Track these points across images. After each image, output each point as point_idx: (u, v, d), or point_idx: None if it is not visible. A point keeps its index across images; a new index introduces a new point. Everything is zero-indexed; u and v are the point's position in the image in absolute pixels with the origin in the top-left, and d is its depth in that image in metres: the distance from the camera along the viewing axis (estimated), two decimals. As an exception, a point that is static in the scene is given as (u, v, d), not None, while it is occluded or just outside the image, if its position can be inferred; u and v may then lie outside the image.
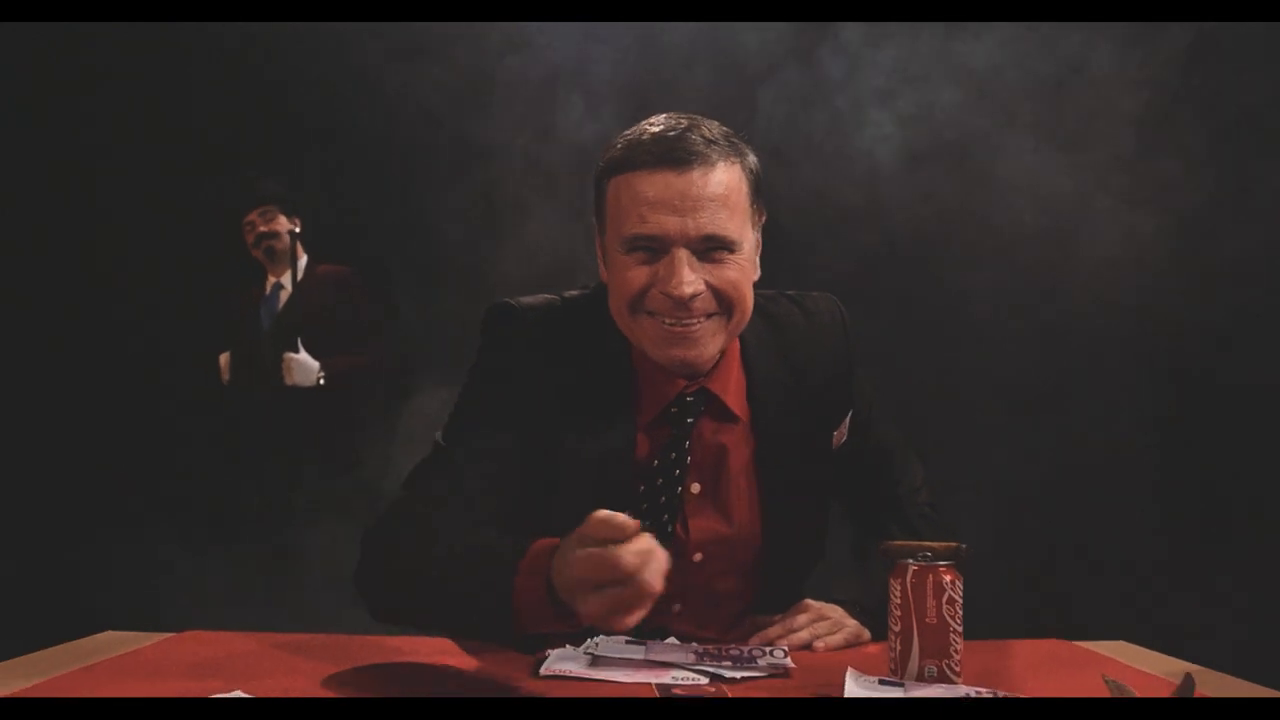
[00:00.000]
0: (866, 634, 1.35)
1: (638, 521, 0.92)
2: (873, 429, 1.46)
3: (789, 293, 1.46)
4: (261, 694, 0.97)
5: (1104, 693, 0.82)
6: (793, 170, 2.96)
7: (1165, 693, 0.78)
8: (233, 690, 0.95)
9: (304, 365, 3.49)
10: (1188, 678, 0.79)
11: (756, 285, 1.35)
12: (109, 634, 1.38)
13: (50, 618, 1.60)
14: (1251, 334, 2.96)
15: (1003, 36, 2.94)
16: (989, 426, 3.06)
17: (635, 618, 0.92)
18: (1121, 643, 1.45)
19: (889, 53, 3.00)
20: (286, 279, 3.69)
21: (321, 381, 3.49)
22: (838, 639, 1.32)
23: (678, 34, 3.04)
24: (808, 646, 1.30)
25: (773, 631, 1.33)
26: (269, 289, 3.73)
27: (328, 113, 3.61)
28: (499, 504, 1.25)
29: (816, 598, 1.39)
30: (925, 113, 3.02)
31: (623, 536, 0.91)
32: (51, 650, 1.26)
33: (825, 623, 1.34)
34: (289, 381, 3.49)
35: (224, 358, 3.71)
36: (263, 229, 3.60)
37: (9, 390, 3.45)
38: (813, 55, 3.09)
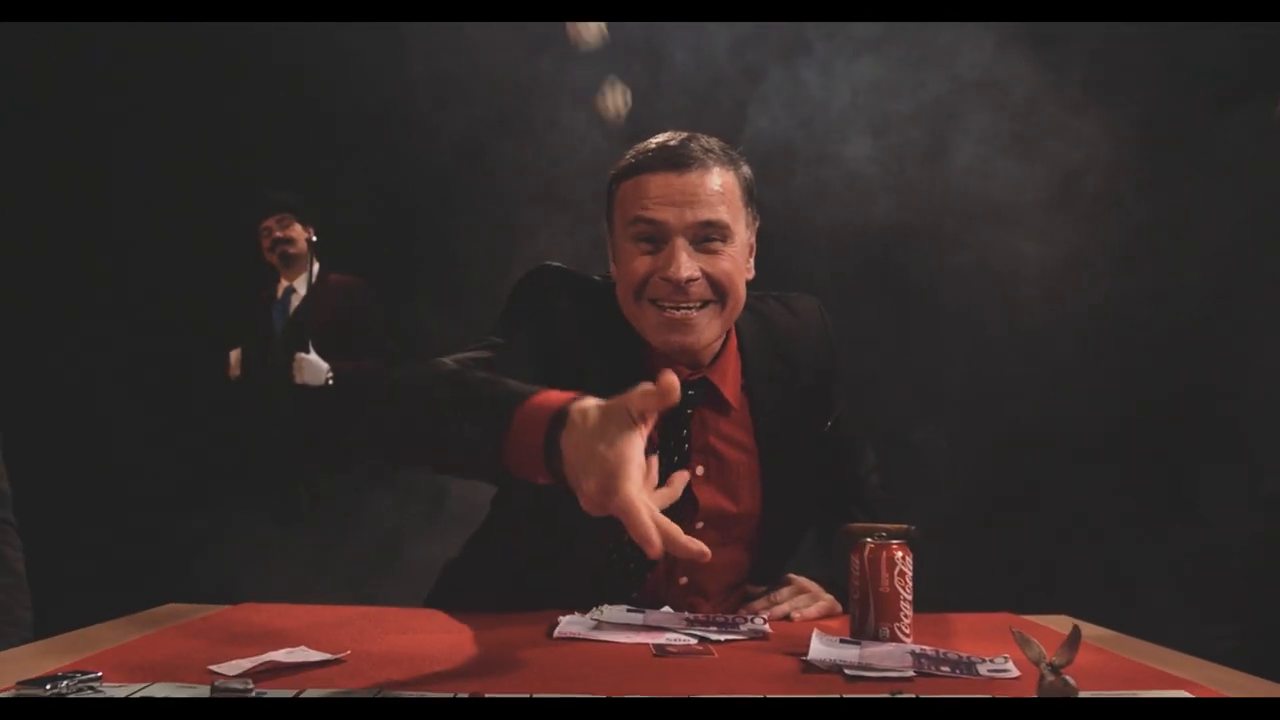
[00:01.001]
0: (839, 608, 1.54)
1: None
2: (841, 418, 1.64)
3: (774, 294, 1.63)
4: (291, 655, 1.16)
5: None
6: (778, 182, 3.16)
7: (1046, 650, 0.98)
8: (269, 653, 1.14)
9: (314, 366, 3.69)
10: (1075, 630, 0.99)
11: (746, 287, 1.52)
12: (170, 606, 1.56)
13: (122, 593, 1.78)
14: (1198, 335, 3.17)
15: (961, 66, 3.14)
16: (967, 419, 3.27)
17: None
18: (1064, 616, 1.64)
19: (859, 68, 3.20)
20: (298, 283, 3.89)
21: (330, 381, 3.68)
22: (813, 611, 1.51)
23: (680, 63, 3.24)
24: (787, 618, 1.49)
25: (758, 604, 1.53)
26: (280, 292, 3.92)
27: (355, 130, 3.80)
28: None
29: (803, 574, 1.60)
30: (891, 126, 3.21)
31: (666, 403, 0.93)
32: (122, 620, 1.45)
33: (804, 596, 1.54)
34: (299, 380, 3.69)
35: (235, 354, 3.91)
36: (279, 235, 3.80)
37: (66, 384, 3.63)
38: (793, 70, 3.28)
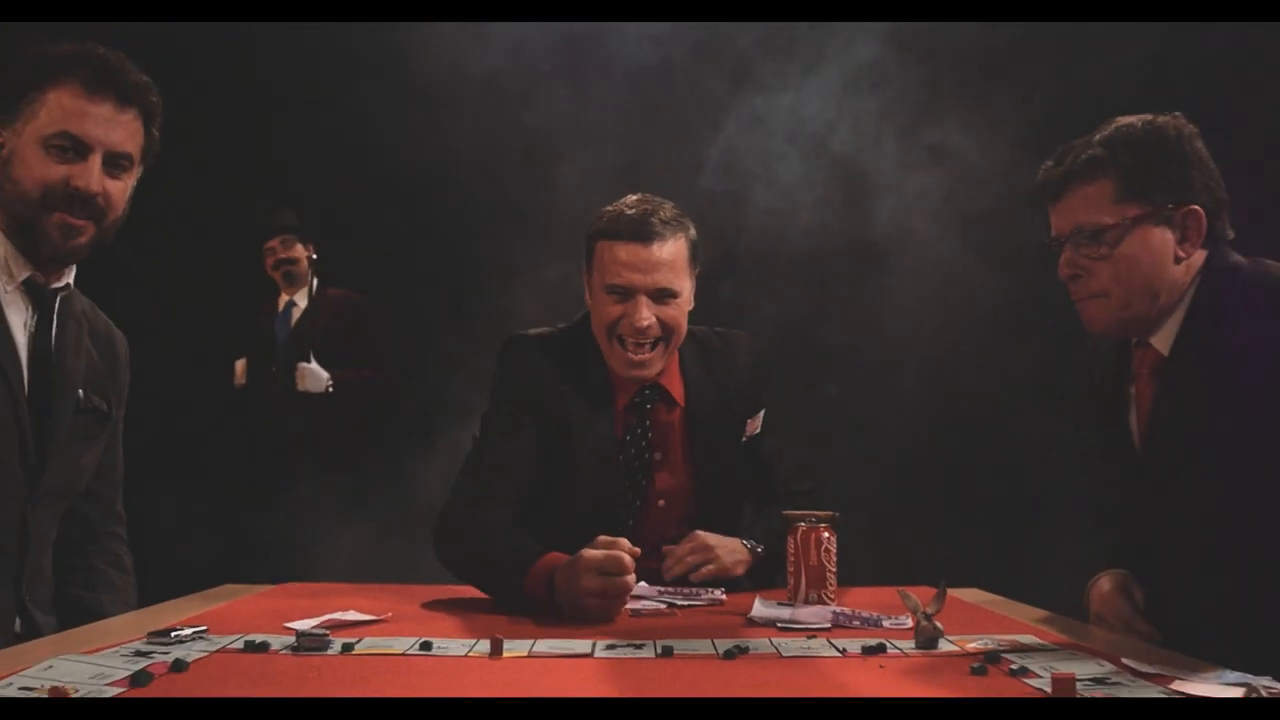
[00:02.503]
0: (740, 570, 1.85)
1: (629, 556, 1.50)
2: (767, 436, 2.00)
3: (718, 329, 2.06)
4: (345, 616, 1.47)
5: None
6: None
7: (922, 602, 1.31)
8: (327, 614, 1.45)
9: (315, 374, 3.99)
10: (941, 587, 1.31)
11: (695, 320, 1.96)
12: (226, 586, 1.87)
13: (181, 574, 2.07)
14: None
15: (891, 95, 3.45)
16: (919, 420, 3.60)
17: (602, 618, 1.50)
18: (974, 589, 1.98)
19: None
20: (299, 297, 4.19)
21: (330, 389, 3.99)
22: (709, 570, 1.81)
23: (677, 108, 3.57)
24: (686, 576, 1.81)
25: (667, 563, 1.84)
26: (281, 306, 4.22)
27: (355, 144, 4.09)
28: (514, 486, 1.82)
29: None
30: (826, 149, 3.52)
31: (618, 569, 1.48)
32: (190, 596, 1.76)
33: (699, 554, 1.83)
34: (301, 388, 3.99)
35: (240, 364, 4.21)
36: (283, 255, 4.10)
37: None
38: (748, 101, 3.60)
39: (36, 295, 1.63)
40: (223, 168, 4.09)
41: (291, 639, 1.27)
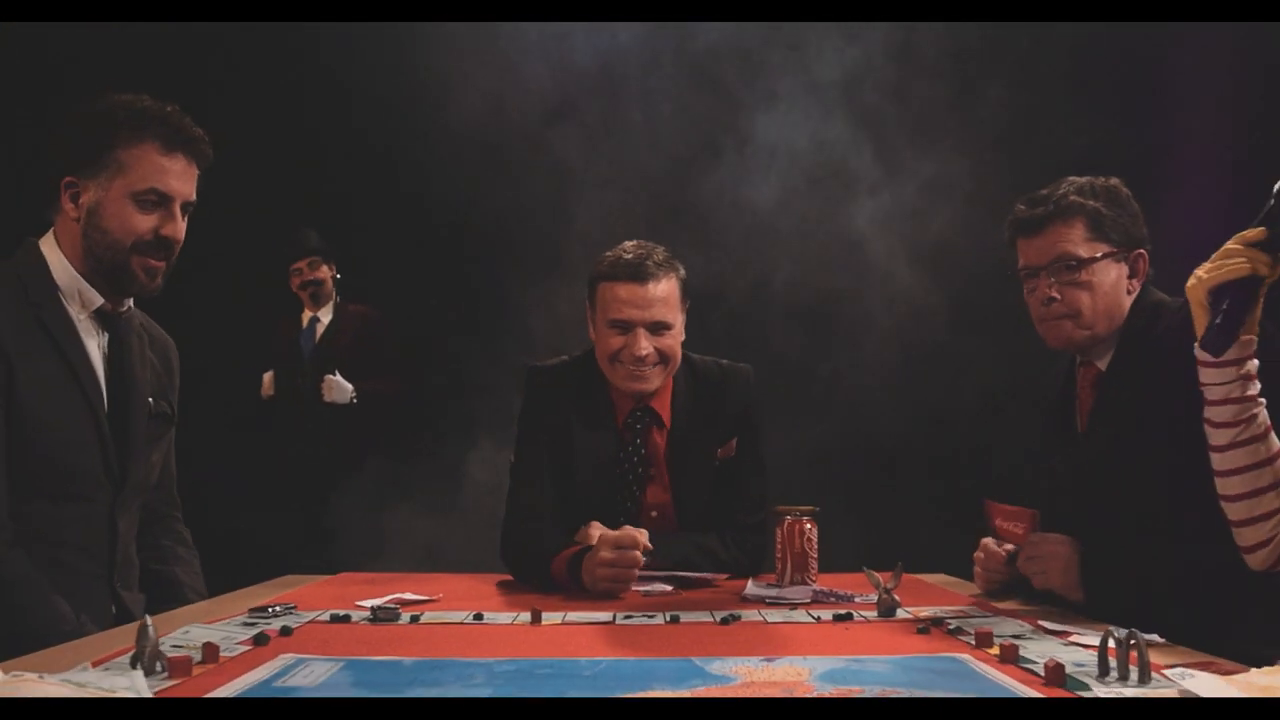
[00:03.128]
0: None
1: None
2: (740, 464, 2.22)
3: (723, 361, 2.29)
4: (403, 597, 1.76)
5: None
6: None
7: (884, 580, 1.59)
8: (388, 596, 1.73)
9: (341, 386, 4.28)
10: (898, 566, 1.60)
11: (699, 350, 2.24)
12: (288, 577, 2.16)
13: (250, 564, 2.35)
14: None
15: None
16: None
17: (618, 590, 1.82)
18: (940, 574, 2.26)
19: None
20: (322, 314, 4.48)
21: (355, 400, 4.28)
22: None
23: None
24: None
25: None
26: (306, 322, 4.51)
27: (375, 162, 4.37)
28: (547, 497, 2.13)
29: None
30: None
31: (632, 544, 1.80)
32: (259, 585, 2.04)
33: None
34: (327, 399, 4.28)
35: (267, 376, 4.49)
36: (309, 276, 4.39)
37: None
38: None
39: (106, 319, 1.86)
40: (252, 190, 4.37)
41: (367, 613, 1.55)
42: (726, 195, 3.76)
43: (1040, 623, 1.46)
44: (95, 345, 1.85)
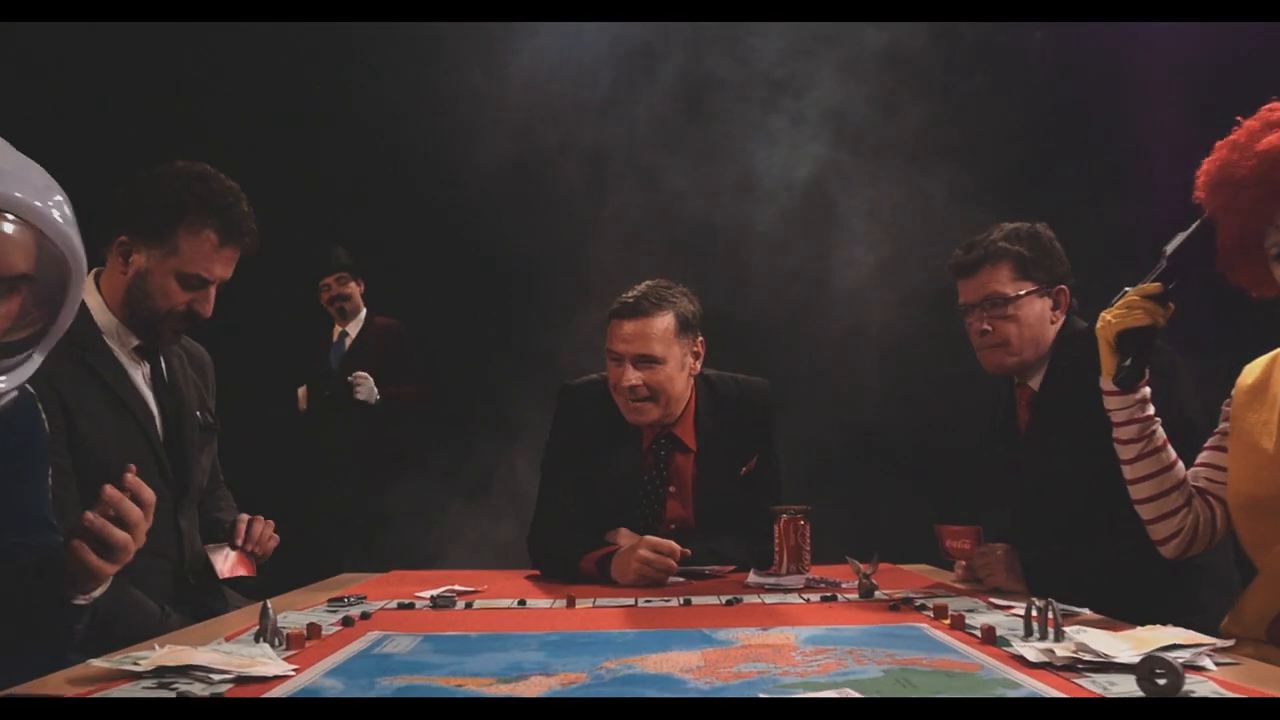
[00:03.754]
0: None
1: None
2: (765, 477, 2.46)
3: (739, 376, 2.52)
4: (453, 589, 2.04)
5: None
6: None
7: (864, 567, 1.87)
8: (440, 588, 2.02)
9: (370, 385, 4.58)
10: (875, 556, 1.89)
11: (717, 365, 2.49)
12: (344, 575, 2.45)
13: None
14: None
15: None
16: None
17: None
18: (922, 565, 2.54)
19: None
20: (351, 328, 4.79)
21: (377, 400, 4.58)
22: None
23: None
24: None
25: None
26: (335, 336, 4.81)
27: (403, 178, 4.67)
28: (573, 502, 2.38)
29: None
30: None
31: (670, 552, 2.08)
32: (324, 581, 2.33)
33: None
34: (359, 397, 4.57)
35: (301, 390, 4.80)
36: (337, 291, 4.69)
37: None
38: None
39: (146, 350, 2.08)
40: (280, 207, 4.66)
41: (427, 601, 1.85)
42: (740, 220, 4.06)
43: (990, 599, 1.74)
44: (140, 375, 2.07)
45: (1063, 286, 2.11)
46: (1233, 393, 1.76)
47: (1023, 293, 2.07)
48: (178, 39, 4.37)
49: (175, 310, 2.03)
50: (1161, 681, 1.03)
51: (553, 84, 4.02)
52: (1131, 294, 1.68)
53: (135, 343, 2.07)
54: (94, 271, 2.07)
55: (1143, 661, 1.06)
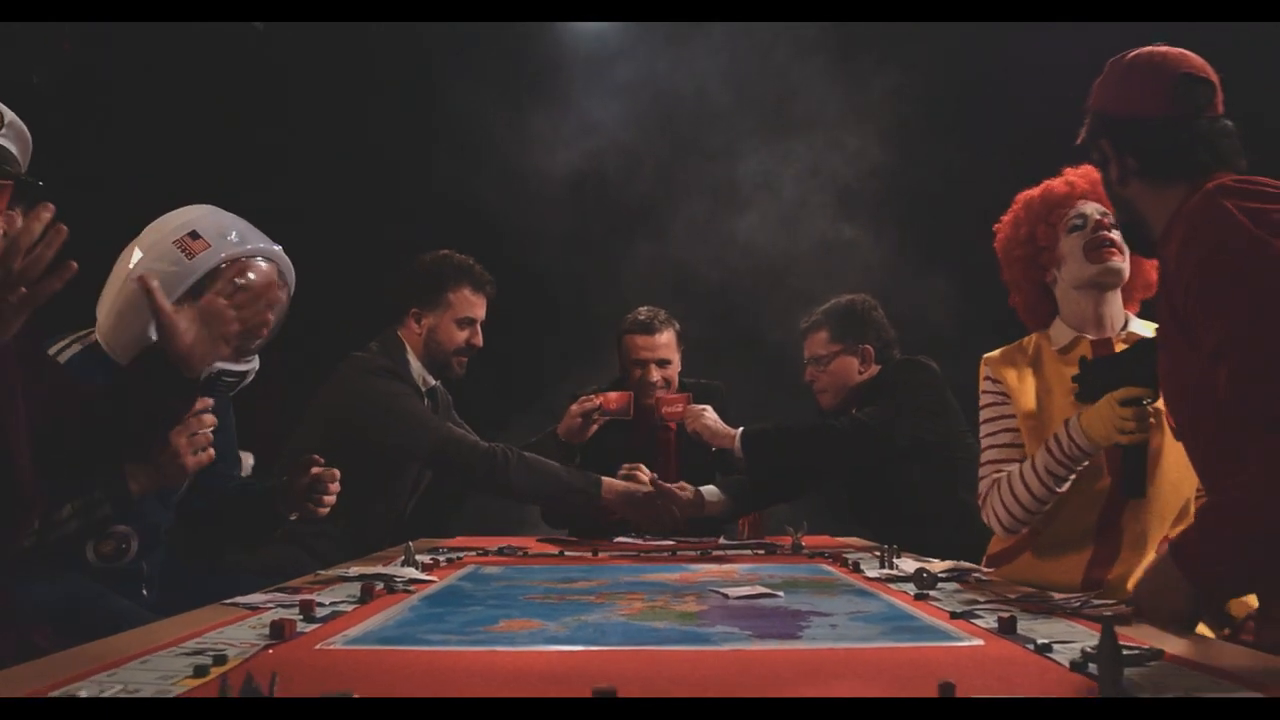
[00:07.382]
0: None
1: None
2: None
3: (703, 380, 3.49)
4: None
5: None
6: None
7: (789, 539, 2.73)
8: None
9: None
10: (802, 523, 2.74)
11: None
12: (421, 540, 3.29)
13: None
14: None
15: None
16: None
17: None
18: (855, 538, 3.39)
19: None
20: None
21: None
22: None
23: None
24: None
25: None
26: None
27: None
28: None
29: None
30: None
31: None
32: (379, 553, 3.17)
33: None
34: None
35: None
36: None
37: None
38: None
39: (432, 390, 3.17)
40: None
41: (495, 550, 2.71)
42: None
43: (875, 552, 2.60)
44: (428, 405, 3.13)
45: (866, 346, 3.06)
46: (988, 374, 2.27)
47: (834, 352, 3.05)
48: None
49: (459, 348, 3.10)
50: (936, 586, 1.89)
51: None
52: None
53: (432, 382, 3.14)
54: (399, 331, 3.12)
55: (916, 575, 1.91)
